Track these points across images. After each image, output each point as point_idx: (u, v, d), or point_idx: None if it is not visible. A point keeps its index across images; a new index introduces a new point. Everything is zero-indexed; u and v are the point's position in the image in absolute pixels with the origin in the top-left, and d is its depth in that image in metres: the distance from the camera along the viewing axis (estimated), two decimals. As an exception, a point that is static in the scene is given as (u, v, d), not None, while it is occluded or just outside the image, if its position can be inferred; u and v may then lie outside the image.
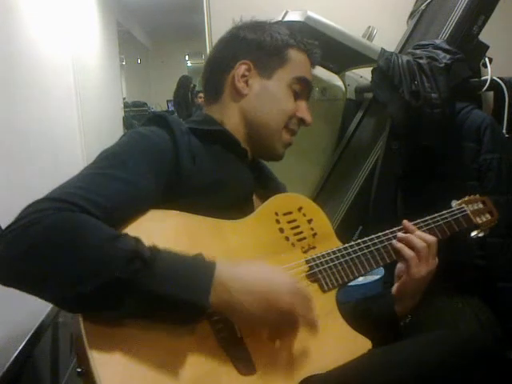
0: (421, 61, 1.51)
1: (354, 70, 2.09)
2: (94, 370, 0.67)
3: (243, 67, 1.01)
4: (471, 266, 1.48)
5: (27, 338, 1.39)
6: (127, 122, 4.19)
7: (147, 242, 0.74)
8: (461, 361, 0.81)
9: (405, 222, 1.03)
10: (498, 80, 1.64)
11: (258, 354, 0.80)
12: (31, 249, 0.68)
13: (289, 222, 0.95)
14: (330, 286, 0.93)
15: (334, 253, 0.96)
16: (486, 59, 1.71)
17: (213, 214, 0.88)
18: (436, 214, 1.07)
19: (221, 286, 0.74)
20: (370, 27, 2.01)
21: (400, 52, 1.83)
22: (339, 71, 2.08)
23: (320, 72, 2.10)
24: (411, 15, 2.08)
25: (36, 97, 1.82)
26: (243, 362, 0.78)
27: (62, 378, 1.59)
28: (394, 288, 1.04)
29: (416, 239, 1.00)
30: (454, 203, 1.14)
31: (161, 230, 0.82)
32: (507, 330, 1.34)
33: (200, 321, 0.75)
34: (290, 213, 0.96)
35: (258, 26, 1.05)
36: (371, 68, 1.65)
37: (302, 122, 1.04)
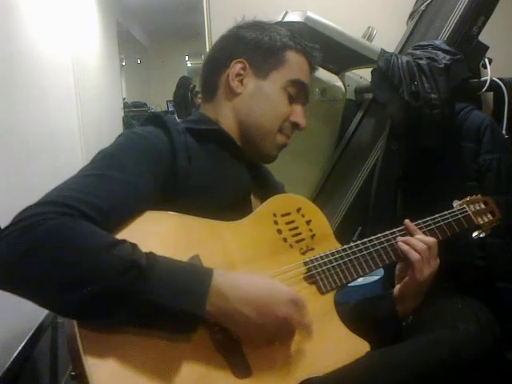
0: (420, 61, 1.51)
1: (353, 71, 2.09)
2: (87, 374, 0.67)
3: (238, 66, 1.00)
4: (471, 267, 1.48)
5: (27, 339, 1.39)
6: (127, 123, 4.19)
7: (144, 244, 0.74)
8: (460, 361, 0.81)
9: (406, 221, 1.03)
10: (498, 81, 1.64)
11: (254, 357, 0.79)
12: (28, 253, 0.67)
13: (287, 223, 0.95)
14: (328, 287, 0.93)
15: (332, 254, 0.95)
16: (486, 60, 1.71)
17: (211, 215, 0.87)
18: (437, 215, 1.07)
19: (218, 294, 0.74)
20: (369, 28, 2.01)
21: (400, 53, 1.83)
22: (339, 72, 2.08)
23: (320, 73, 2.09)
24: (411, 16, 2.08)
25: (36, 97, 1.82)
26: (239, 366, 0.78)
27: (62, 378, 1.59)
28: (396, 289, 1.04)
29: (416, 241, 0.99)
30: (456, 203, 1.13)
31: (158, 231, 0.82)
32: (507, 330, 1.34)
33: (197, 330, 0.74)
34: (289, 214, 0.95)
35: (257, 26, 1.04)
36: (371, 68, 1.65)
37: (295, 126, 1.02)
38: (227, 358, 0.77)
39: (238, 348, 0.79)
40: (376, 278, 1.63)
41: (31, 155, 1.69)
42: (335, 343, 0.89)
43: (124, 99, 4.72)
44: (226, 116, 1.01)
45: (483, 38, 1.66)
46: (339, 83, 2.13)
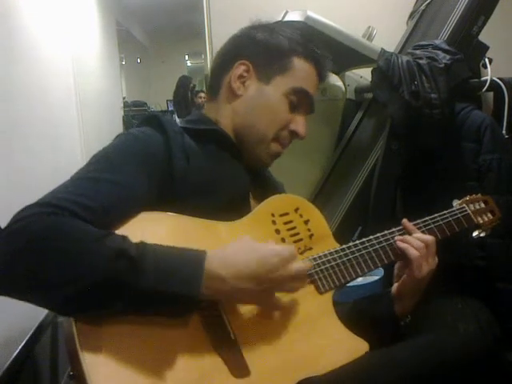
0: (420, 61, 1.51)
1: (353, 70, 2.09)
2: (86, 374, 0.67)
3: (242, 67, 0.99)
4: (471, 267, 1.47)
5: (27, 338, 1.39)
6: (127, 122, 4.19)
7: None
8: (460, 362, 0.81)
9: (404, 221, 1.02)
10: (498, 80, 1.64)
11: (251, 355, 0.80)
12: (19, 254, 0.68)
13: (285, 223, 0.94)
14: (327, 287, 0.93)
15: (331, 254, 0.95)
16: (486, 60, 1.71)
17: (209, 215, 0.87)
18: (436, 214, 1.06)
19: (213, 277, 0.74)
20: (369, 27, 2.01)
21: (400, 52, 1.83)
22: (339, 71, 2.08)
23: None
24: (411, 15, 2.08)
25: (36, 97, 1.82)
26: (237, 364, 0.78)
27: (62, 378, 1.59)
28: (394, 288, 1.04)
29: (414, 239, 0.99)
30: (455, 203, 1.13)
31: (156, 231, 0.82)
32: (507, 330, 1.34)
33: (192, 312, 0.74)
34: (287, 214, 0.95)
35: (269, 28, 1.02)
36: (371, 68, 1.65)
37: (294, 134, 1.01)
38: (225, 358, 0.77)
39: (236, 347, 0.79)
40: (376, 278, 1.63)
41: (31, 155, 1.69)
42: (334, 343, 0.89)
43: (124, 98, 4.72)
44: (224, 117, 1.01)
45: (483, 37, 1.66)
46: (339, 83, 2.13)
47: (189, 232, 0.85)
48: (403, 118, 1.53)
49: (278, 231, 0.93)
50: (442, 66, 1.48)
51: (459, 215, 1.09)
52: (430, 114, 1.47)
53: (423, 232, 1.03)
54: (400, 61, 1.53)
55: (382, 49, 1.63)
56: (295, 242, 0.95)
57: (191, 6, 3.01)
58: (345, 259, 0.96)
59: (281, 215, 0.95)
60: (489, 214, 1.15)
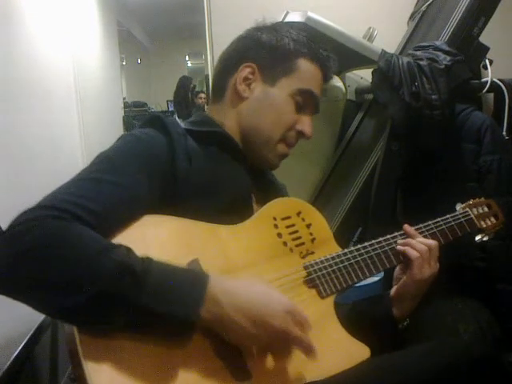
0: (421, 62, 1.51)
1: (354, 71, 2.09)
2: (87, 379, 0.67)
3: (247, 70, 0.98)
4: (471, 268, 1.47)
5: (27, 339, 1.39)
6: (127, 122, 4.19)
7: (143, 248, 0.73)
8: (461, 368, 0.80)
9: (406, 226, 1.02)
10: (498, 82, 1.64)
11: (253, 360, 0.78)
12: (22, 257, 0.67)
13: (287, 227, 0.94)
14: (329, 291, 0.92)
15: (332, 258, 0.94)
16: (487, 61, 1.71)
17: (211, 217, 0.86)
18: (439, 219, 1.06)
19: (213, 300, 0.73)
20: (370, 28, 2.01)
21: (400, 53, 1.83)
22: (339, 72, 2.08)
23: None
24: (412, 16, 2.08)
25: (36, 97, 1.82)
26: (239, 370, 0.77)
27: (61, 378, 1.58)
28: (393, 290, 1.04)
29: (417, 243, 0.99)
30: (459, 206, 1.12)
31: (158, 235, 0.81)
32: (507, 331, 1.34)
33: (191, 335, 0.73)
34: (289, 217, 0.95)
35: (274, 30, 1.02)
36: (372, 69, 1.65)
37: (301, 134, 1.01)
38: (227, 363, 0.76)
39: (238, 353, 0.78)
40: (375, 279, 1.63)
41: (31, 156, 1.69)
42: (336, 347, 0.89)
43: (124, 99, 4.72)
44: (230, 119, 1.00)
45: (484, 39, 1.66)
46: (339, 83, 2.12)
47: (191, 235, 0.84)
48: (403, 119, 1.53)
49: (279, 235, 0.93)
50: (443, 67, 1.48)
51: (462, 220, 1.08)
52: (431, 115, 1.47)
53: (425, 236, 1.02)
54: (400, 62, 1.53)
55: (383, 50, 1.63)
56: (297, 245, 0.94)
57: (192, 6, 3.02)
58: (347, 264, 0.95)
59: (283, 219, 0.94)
60: (492, 218, 1.14)
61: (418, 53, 1.57)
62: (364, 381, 0.82)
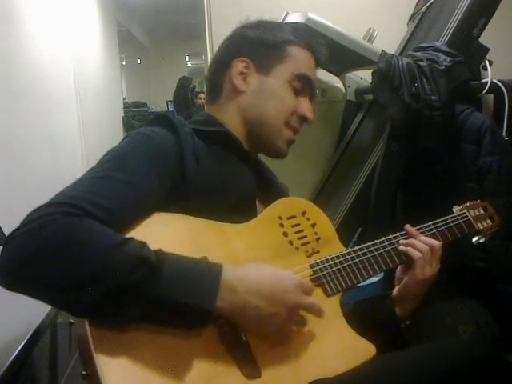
0: (421, 63, 1.52)
1: (354, 72, 2.09)
2: (99, 373, 0.67)
3: (241, 64, 1.00)
4: (471, 268, 1.48)
5: (26, 339, 1.39)
6: (127, 123, 4.20)
7: (152, 245, 0.74)
8: (462, 368, 0.81)
9: (407, 226, 1.03)
10: (498, 83, 1.64)
11: (262, 357, 0.80)
12: (37, 254, 0.68)
13: (293, 226, 0.95)
14: (334, 290, 0.93)
15: (338, 257, 0.95)
16: (486, 62, 1.71)
17: (217, 216, 0.87)
18: (438, 220, 1.07)
19: (228, 288, 0.75)
20: (370, 29, 2.01)
21: (400, 54, 1.83)
22: (339, 73, 2.08)
23: (320, 73, 2.09)
24: (412, 17, 2.08)
25: (36, 97, 1.82)
26: (248, 366, 0.78)
27: (61, 379, 1.58)
28: (395, 290, 1.04)
29: (419, 243, 1.00)
30: (456, 208, 1.13)
31: (165, 233, 0.82)
32: (506, 331, 1.34)
33: (208, 325, 0.74)
34: (294, 217, 0.96)
35: (260, 25, 1.04)
36: (371, 70, 1.65)
37: (303, 119, 1.02)
38: (237, 359, 0.78)
39: (248, 349, 0.80)
40: (375, 279, 1.63)
41: (31, 156, 1.69)
42: (342, 345, 0.90)
43: (124, 99, 4.72)
44: (231, 116, 1.01)
45: (484, 39, 1.66)
46: (339, 84, 2.13)
47: (199, 234, 0.85)
48: (403, 120, 1.53)
49: (285, 234, 0.94)
50: (443, 67, 1.49)
51: (460, 221, 1.10)
52: (431, 116, 1.48)
53: (426, 237, 1.03)
54: (400, 63, 1.53)
55: (383, 50, 1.64)
56: (303, 244, 0.95)
57: (191, 7, 3.02)
58: (351, 263, 0.96)
59: (288, 218, 0.95)
60: (488, 220, 1.15)
61: (418, 54, 1.58)
62: (366, 380, 0.83)
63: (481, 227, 1.13)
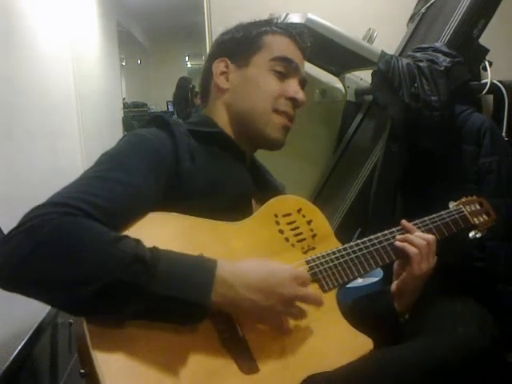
0: (421, 64, 1.52)
1: (354, 72, 2.10)
2: (97, 371, 0.68)
3: (220, 64, 1.03)
4: (470, 268, 1.48)
5: (26, 338, 1.39)
6: (127, 123, 4.19)
7: (148, 244, 0.75)
8: (462, 363, 0.82)
9: (403, 221, 1.04)
10: (498, 83, 1.65)
11: (260, 353, 0.81)
12: (33, 253, 0.68)
13: (288, 224, 0.96)
14: (331, 285, 0.94)
15: (333, 253, 0.96)
16: (486, 62, 1.71)
17: (213, 216, 0.88)
18: (434, 215, 1.08)
19: (223, 283, 0.75)
20: (370, 29, 2.02)
21: (400, 55, 1.84)
22: (339, 73, 2.08)
23: (320, 74, 2.11)
24: (411, 18, 2.09)
25: (36, 97, 1.82)
26: (246, 362, 0.79)
27: (61, 378, 1.58)
28: (393, 285, 1.05)
29: (416, 238, 1.00)
30: (452, 204, 1.15)
31: (161, 232, 0.83)
32: (506, 331, 1.34)
33: (203, 321, 0.75)
34: (290, 214, 0.97)
35: (236, 26, 1.07)
36: (371, 70, 1.65)
37: (293, 101, 1.01)
38: (234, 355, 0.78)
39: (245, 345, 0.80)
40: (375, 279, 1.64)
41: (31, 156, 1.69)
42: (340, 340, 0.90)
43: (124, 99, 4.72)
44: (219, 115, 1.03)
45: (483, 40, 1.67)
46: (339, 84, 2.13)
47: (195, 232, 0.86)
48: (403, 120, 1.53)
49: (281, 231, 0.95)
50: (443, 68, 1.49)
51: (456, 216, 1.11)
52: (430, 116, 1.48)
53: (422, 232, 1.04)
54: (400, 63, 1.53)
55: (383, 51, 1.64)
56: (298, 241, 0.96)
57: (192, 7, 3.02)
58: (347, 258, 0.97)
59: (284, 215, 0.96)
60: (484, 216, 1.17)
61: (418, 54, 1.58)
62: (364, 375, 0.84)
63: (477, 222, 1.14)
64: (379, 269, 1.51)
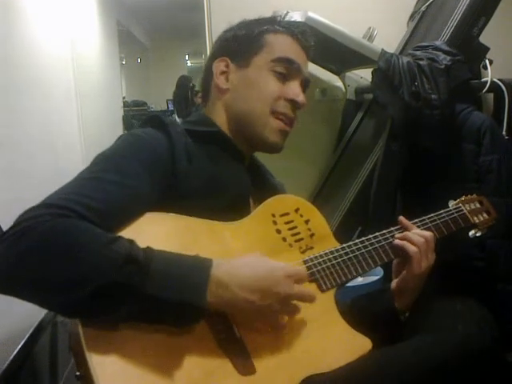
0: (421, 62, 1.52)
1: (354, 71, 2.10)
2: (92, 373, 0.67)
3: (221, 64, 1.01)
4: (470, 268, 1.48)
5: (26, 337, 1.39)
6: (127, 122, 4.20)
7: (144, 245, 0.74)
8: (462, 362, 0.81)
9: (401, 218, 1.03)
10: (498, 82, 1.64)
11: (257, 353, 0.80)
12: (26, 255, 0.68)
13: (286, 223, 0.95)
14: (329, 285, 0.93)
15: (331, 253, 0.95)
16: (487, 61, 1.71)
17: (210, 215, 0.87)
18: (433, 214, 1.07)
19: (218, 283, 0.74)
20: (370, 28, 2.01)
21: (400, 53, 1.83)
22: (340, 72, 2.08)
23: (320, 72, 2.10)
24: (412, 16, 2.08)
25: (36, 96, 1.82)
26: (243, 362, 0.78)
27: (61, 377, 1.59)
28: (393, 284, 1.05)
29: (414, 236, 1.00)
30: (451, 203, 1.14)
31: (157, 233, 0.82)
32: (506, 331, 1.34)
33: (199, 322, 0.74)
34: (287, 214, 0.96)
35: (238, 24, 1.05)
36: (371, 69, 1.65)
37: (293, 103, 0.99)
38: (231, 356, 0.78)
39: (242, 345, 0.79)
40: (376, 278, 1.64)
41: (31, 155, 1.69)
42: (338, 340, 0.90)
43: (124, 98, 4.72)
44: (218, 115, 1.02)
45: (484, 39, 1.66)
46: (339, 83, 2.13)
47: (191, 232, 0.85)
48: (403, 119, 1.53)
49: (278, 231, 0.94)
50: (443, 67, 1.49)
51: (456, 215, 1.10)
52: (430, 115, 1.48)
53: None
54: (400, 62, 1.53)
55: (383, 49, 1.64)
56: (296, 241, 0.95)
57: (191, 5, 3.01)
58: (345, 258, 0.96)
59: (281, 215, 0.95)
60: (484, 214, 1.16)
61: (418, 53, 1.58)
62: (366, 374, 0.83)
63: (477, 221, 1.13)
64: (379, 267, 1.51)
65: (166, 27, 5.40)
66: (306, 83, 1.03)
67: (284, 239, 0.94)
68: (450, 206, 1.13)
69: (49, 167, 1.85)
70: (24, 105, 1.67)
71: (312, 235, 0.97)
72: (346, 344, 0.90)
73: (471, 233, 1.15)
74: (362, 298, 1.12)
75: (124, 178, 0.81)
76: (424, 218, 1.06)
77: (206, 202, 0.88)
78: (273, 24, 1.02)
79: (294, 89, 0.99)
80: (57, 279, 0.68)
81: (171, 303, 0.70)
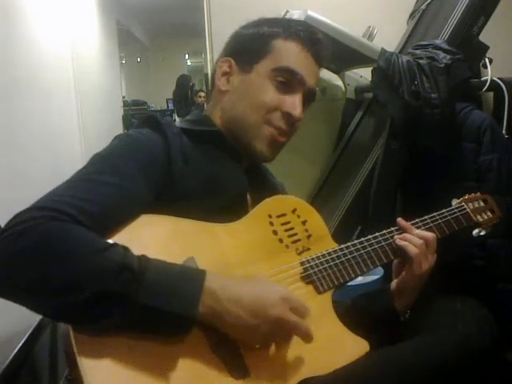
0: (421, 61, 1.51)
1: (354, 70, 2.09)
2: (83, 378, 0.66)
3: (224, 64, 0.99)
4: (471, 267, 1.48)
5: (26, 336, 1.39)
6: (127, 121, 4.20)
7: (140, 248, 0.74)
8: (462, 362, 0.81)
9: (399, 220, 1.02)
10: (498, 80, 1.64)
11: (251, 357, 0.79)
12: (18, 259, 0.67)
13: (282, 224, 0.94)
14: (326, 287, 0.92)
15: (329, 254, 0.94)
16: (486, 60, 1.71)
17: (207, 217, 0.86)
18: (435, 213, 1.06)
19: (210, 296, 0.73)
20: (370, 27, 2.01)
21: (400, 52, 1.83)
22: (339, 71, 2.08)
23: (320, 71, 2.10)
24: (411, 15, 2.08)
25: (36, 96, 1.82)
26: (236, 366, 0.77)
27: (61, 377, 1.59)
28: (393, 284, 1.04)
29: (413, 237, 0.99)
30: (454, 202, 1.13)
31: (154, 234, 0.81)
32: (506, 330, 1.34)
33: (190, 332, 0.73)
34: (284, 215, 0.95)
35: (253, 23, 1.02)
36: (371, 68, 1.65)
37: (288, 116, 0.95)
38: (224, 359, 0.76)
39: (236, 349, 0.78)
40: (375, 277, 1.63)
41: (31, 154, 1.69)
42: (334, 343, 0.88)
43: (124, 97, 4.72)
44: (216, 116, 1.01)
45: (483, 37, 1.66)
46: (339, 82, 2.13)
47: (187, 234, 0.84)
48: (403, 118, 1.53)
49: (275, 232, 0.93)
50: (443, 65, 1.48)
51: (458, 214, 1.09)
52: (430, 114, 1.47)
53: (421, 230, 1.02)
54: (400, 60, 1.53)
55: (383, 48, 1.63)
56: (293, 242, 0.94)
57: (191, 5, 3.01)
58: (343, 259, 0.95)
59: (278, 216, 0.94)
60: (488, 213, 1.14)
61: (418, 51, 1.58)
62: (365, 375, 0.82)
63: (480, 219, 1.12)
64: (379, 267, 1.51)
65: (165, 27, 5.40)
66: (311, 95, 0.99)
67: (281, 240, 0.93)
68: (452, 204, 1.12)
69: (49, 167, 1.85)
70: (24, 105, 1.67)
71: (309, 236, 0.96)
72: (343, 346, 0.88)
73: (475, 232, 1.13)
74: (362, 298, 1.11)
75: (120, 179, 0.80)
76: (425, 217, 1.05)
77: (203, 203, 0.88)
78: (285, 28, 0.97)
79: (292, 101, 0.95)
80: (50, 284, 0.67)
81: (163, 312, 0.69)
